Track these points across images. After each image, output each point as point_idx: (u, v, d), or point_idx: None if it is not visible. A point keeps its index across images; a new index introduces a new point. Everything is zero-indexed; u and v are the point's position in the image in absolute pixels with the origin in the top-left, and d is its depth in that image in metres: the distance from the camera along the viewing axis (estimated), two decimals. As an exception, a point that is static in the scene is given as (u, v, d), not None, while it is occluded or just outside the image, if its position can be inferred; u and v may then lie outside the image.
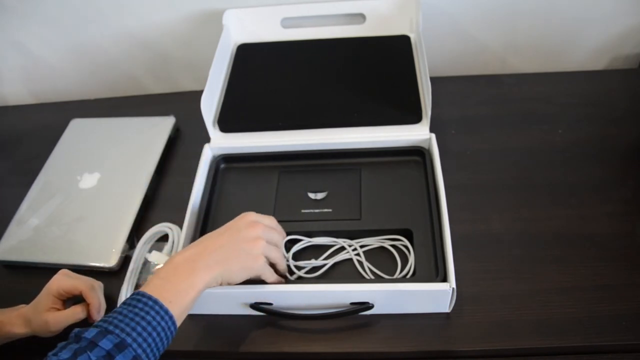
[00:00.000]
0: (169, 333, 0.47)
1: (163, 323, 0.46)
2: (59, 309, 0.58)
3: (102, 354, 0.43)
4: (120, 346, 0.43)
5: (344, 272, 0.63)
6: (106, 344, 0.43)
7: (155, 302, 0.47)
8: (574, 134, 0.77)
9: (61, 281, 0.58)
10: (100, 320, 0.46)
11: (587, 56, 0.91)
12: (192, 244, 0.54)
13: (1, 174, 0.86)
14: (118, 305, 0.48)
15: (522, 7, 0.85)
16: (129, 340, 0.44)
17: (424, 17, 0.81)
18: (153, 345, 0.45)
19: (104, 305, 0.60)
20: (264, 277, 0.56)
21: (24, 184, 0.79)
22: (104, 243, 0.69)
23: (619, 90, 0.84)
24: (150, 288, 0.48)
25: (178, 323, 0.49)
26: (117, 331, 0.44)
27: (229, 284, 0.53)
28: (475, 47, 0.91)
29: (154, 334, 0.46)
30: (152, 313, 0.46)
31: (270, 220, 0.59)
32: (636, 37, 0.88)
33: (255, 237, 0.55)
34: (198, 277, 0.50)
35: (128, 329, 0.44)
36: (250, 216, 0.57)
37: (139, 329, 0.45)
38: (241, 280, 0.54)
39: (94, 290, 0.59)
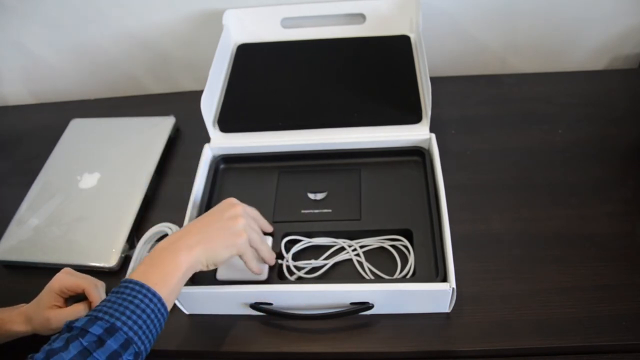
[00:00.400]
0: (159, 315, 0.48)
1: (152, 305, 0.47)
2: (60, 307, 0.58)
3: (93, 340, 0.43)
4: (111, 330, 0.44)
5: (343, 273, 0.63)
6: (96, 329, 0.44)
7: (142, 286, 0.48)
8: (574, 134, 0.77)
9: (64, 279, 0.58)
10: (91, 310, 0.47)
11: (587, 56, 0.91)
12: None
13: (1, 174, 0.86)
14: None
15: (522, 7, 0.85)
16: (118, 324, 0.45)
17: (424, 17, 0.81)
18: (144, 327, 0.46)
19: (105, 304, 0.60)
20: (245, 258, 0.57)
21: (24, 184, 0.79)
22: (104, 243, 0.69)
23: (619, 90, 0.84)
24: (136, 274, 0.49)
25: (168, 305, 0.49)
26: (106, 317, 0.45)
27: (214, 264, 0.54)
28: (475, 47, 0.91)
29: (144, 316, 0.46)
30: (140, 297, 0.47)
31: (252, 210, 0.60)
32: (636, 37, 0.88)
33: (237, 215, 0.56)
34: (181, 257, 0.51)
35: (117, 314, 0.45)
36: (231, 199, 0.58)
37: (127, 312, 0.46)
38: (225, 259, 0.54)
39: (97, 289, 0.59)
